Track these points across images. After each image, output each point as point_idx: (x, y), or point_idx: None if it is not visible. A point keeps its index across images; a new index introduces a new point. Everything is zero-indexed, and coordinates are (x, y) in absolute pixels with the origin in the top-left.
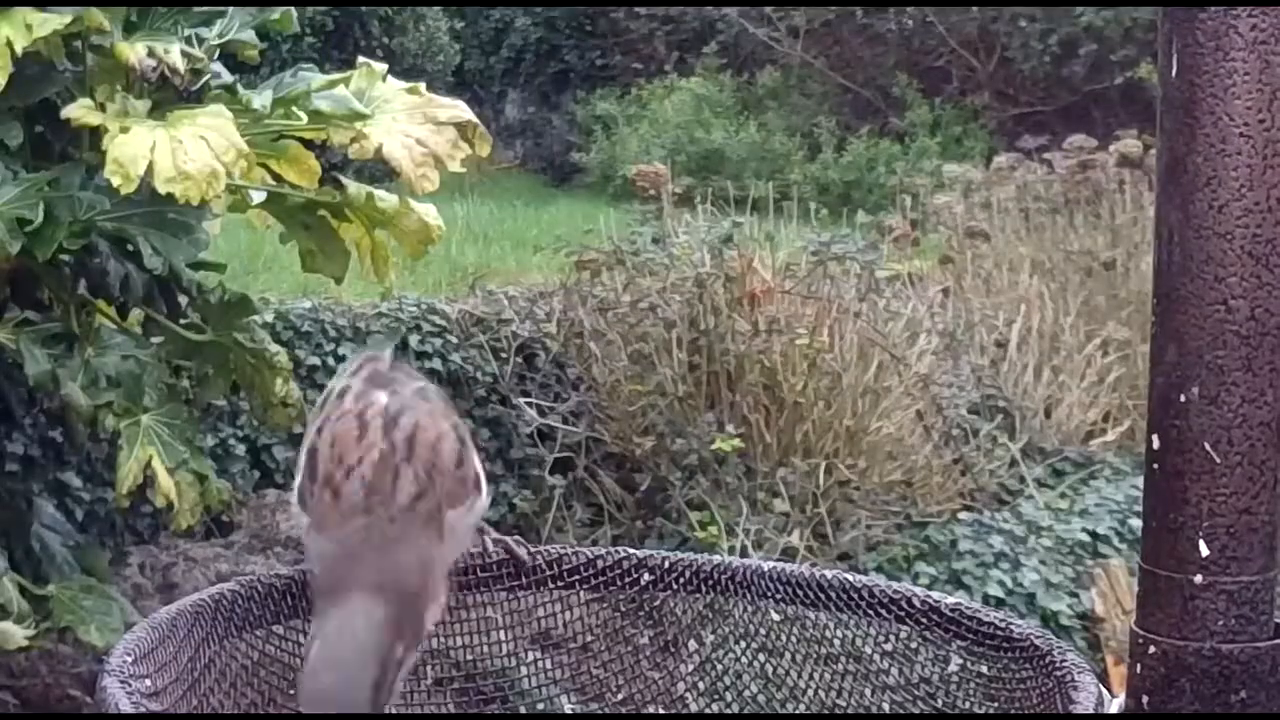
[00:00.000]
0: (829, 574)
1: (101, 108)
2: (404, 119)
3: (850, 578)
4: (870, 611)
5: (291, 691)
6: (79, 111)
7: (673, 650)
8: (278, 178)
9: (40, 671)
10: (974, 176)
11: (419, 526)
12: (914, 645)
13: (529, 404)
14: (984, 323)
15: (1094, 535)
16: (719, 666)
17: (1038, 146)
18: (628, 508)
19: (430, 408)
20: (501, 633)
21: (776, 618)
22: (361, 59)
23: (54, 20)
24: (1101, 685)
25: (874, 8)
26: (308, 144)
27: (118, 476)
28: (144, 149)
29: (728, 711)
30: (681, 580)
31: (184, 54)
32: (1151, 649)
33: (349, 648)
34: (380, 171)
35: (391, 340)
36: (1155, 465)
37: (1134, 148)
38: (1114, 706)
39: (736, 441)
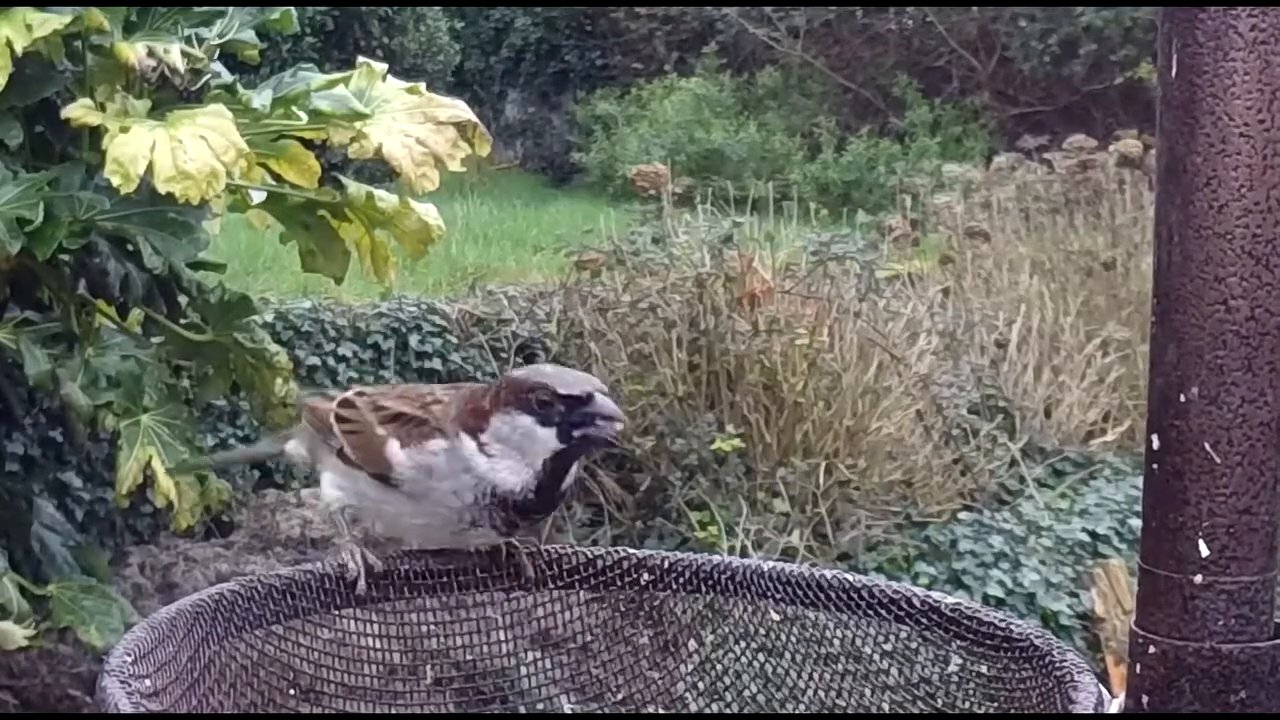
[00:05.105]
0: (829, 574)
1: (101, 108)
2: (404, 119)
3: (850, 578)
4: (870, 611)
5: (292, 691)
6: (79, 111)
7: (672, 650)
8: (278, 178)
9: (40, 671)
10: (974, 176)
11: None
12: (914, 645)
13: None
14: (984, 323)
15: (1094, 535)
16: (719, 666)
17: (1038, 146)
18: (628, 508)
19: None
20: (501, 633)
21: (776, 618)
22: (361, 59)
23: (54, 20)
24: (1101, 685)
25: (874, 8)
26: (308, 144)
27: (118, 476)
28: (144, 149)
29: (728, 711)
30: (681, 580)
31: (184, 54)
32: (1151, 649)
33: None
34: (380, 171)
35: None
36: (1155, 465)
37: (1134, 148)
38: (1114, 706)
39: (736, 441)
